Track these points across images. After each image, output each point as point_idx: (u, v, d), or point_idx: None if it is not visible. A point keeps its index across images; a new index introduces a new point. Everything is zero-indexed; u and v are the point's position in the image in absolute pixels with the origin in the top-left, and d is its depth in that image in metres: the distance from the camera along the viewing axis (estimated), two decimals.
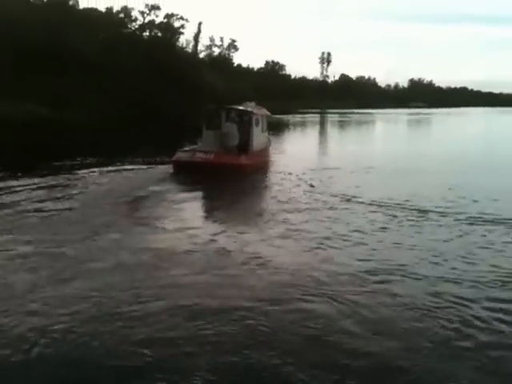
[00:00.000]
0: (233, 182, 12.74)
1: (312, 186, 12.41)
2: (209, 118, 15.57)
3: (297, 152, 21.43)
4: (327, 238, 7.48)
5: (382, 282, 5.78)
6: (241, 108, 15.57)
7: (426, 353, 4.27)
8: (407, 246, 7.19)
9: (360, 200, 10.38)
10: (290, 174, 14.10)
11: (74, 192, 11.29)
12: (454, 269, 6.24)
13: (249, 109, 15.54)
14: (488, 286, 5.69)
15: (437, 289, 5.57)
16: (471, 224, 8.52)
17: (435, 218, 8.91)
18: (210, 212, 10.27)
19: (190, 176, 13.12)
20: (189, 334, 4.55)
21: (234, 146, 14.59)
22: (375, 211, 9.42)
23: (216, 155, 13.64)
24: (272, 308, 5.06)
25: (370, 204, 10.02)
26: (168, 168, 14.75)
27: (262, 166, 15.31)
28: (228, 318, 4.81)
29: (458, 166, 16.35)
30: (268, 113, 17.23)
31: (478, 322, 4.79)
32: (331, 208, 9.73)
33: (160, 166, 15.51)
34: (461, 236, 7.83)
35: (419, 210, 9.45)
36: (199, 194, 11.84)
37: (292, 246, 7.21)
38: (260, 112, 16.23)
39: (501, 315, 4.93)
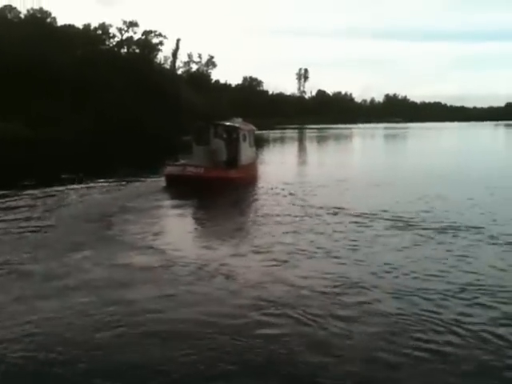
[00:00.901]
0: (220, 196, 13.35)
1: (293, 194, 13.29)
2: (198, 134, 16.35)
3: (281, 166, 22.34)
4: (301, 251, 7.68)
5: (343, 296, 5.83)
6: (229, 124, 16.43)
7: (386, 364, 4.37)
8: (374, 259, 7.32)
9: (338, 211, 10.81)
10: (275, 186, 14.82)
11: (53, 208, 11.40)
12: (408, 282, 6.35)
13: (236, 125, 16.42)
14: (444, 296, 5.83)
15: (397, 303, 5.66)
16: (440, 233, 8.85)
17: (405, 228, 9.20)
18: (192, 227, 10.37)
19: (179, 190, 13.72)
20: (151, 354, 4.50)
21: (222, 161, 15.41)
22: (351, 222, 9.82)
23: (206, 169, 14.38)
24: (237, 324, 5.09)
25: (347, 215, 10.47)
26: (156, 182, 15.42)
27: (250, 180, 16.10)
28: (192, 338, 4.77)
29: (430, 178, 17.06)
30: (254, 128, 18.16)
31: (436, 334, 4.87)
32: (310, 219, 10.15)
33: (148, 180, 16.13)
34: (427, 245, 8.14)
35: (390, 220, 9.83)
36: (184, 208, 12.12)
37: (266, 260, 7.26)
38: (247, 128, 17.12)
39: (459, 328, 5.01)
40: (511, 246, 8.00)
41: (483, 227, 9.22)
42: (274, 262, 7.17)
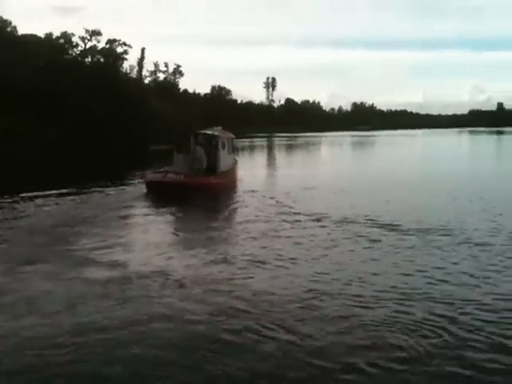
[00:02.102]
0: (195, 203, 13.96)
1: (264, 200, 14.31)
2: (179, 142, 17.34)
3: (252, 174, 23.00)
4: (264, 260, 7.89)
5: (307, 304, 5.97)
6: (208, 133, 17.50)
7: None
8: (337, 265, 7.67)
9: (306, 217, 11.33)
10: (251, 192, 15.81)
11: (11, 219, 11.44)
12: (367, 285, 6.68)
13: (216, 133, 17.53)
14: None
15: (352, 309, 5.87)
16: (404, 235, 9.48)
17: (370, 234, 9.65)
18: (158, 237, 10.14)
19: (159, 196, 14.49)
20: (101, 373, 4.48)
21: (202, 168, 16.43)
22: (319, 226, 10.43)
23: (186, 176, 15.30)
24: (194, 337, 5.15)
25: (315, 220, 11.02)
26: (124, 193, 16.17)
27: (228, 186, 17.13)
28: (145, 352, 4.81)
29: (394, 184, 18.01)
30: (233, 136, 19.31)
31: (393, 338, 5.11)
32: (279, 225, 10.68)
33: (115, 191, 16.58)
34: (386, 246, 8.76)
35: (355, 223, 10.55)
36: (154, 217, 12.25)
37: (229, 269, 7.40)
38: (226, 136, 18.24)
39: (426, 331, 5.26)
40: (469, 249, 8.59)
41: (449, 231, 9.78)
42: (237, 271, 7.29)
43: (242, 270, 7.39)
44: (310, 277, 7.07)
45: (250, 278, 7.07)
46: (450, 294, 6.36)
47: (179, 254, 8.47)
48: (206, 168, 16.49)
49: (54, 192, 15.69)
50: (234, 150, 20.59)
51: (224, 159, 17.48)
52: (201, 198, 14.46)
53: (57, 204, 13.89)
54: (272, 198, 14.78)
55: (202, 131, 17.57)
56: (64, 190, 16.03)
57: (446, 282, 6.86)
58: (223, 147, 17.51)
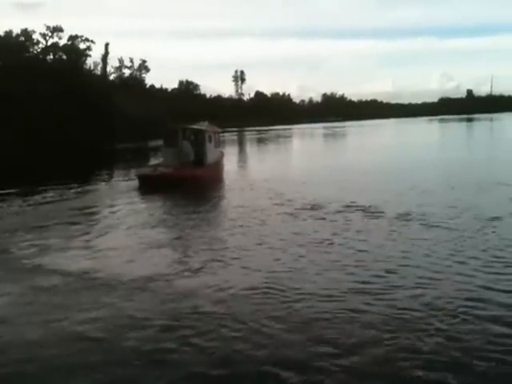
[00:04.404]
0: (184, 195, 15.14)
1: (249, 189, 15.63)
2: (167, 137, 18.76)
3: (233, 168, 24.32)
4: (226, 258, 8.06)
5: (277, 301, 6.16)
6: (195, 127, 19.03)
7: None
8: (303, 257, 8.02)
9: (279, 208, 12.13)
10: (235, 184, 17.24)
11: None
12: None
13: (202, 127, 19.04)
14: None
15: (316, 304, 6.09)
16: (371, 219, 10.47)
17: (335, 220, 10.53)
18: (132, 235, 10.19)
19: (149, 189, 15.76)
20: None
21: (190, 161, 17.90)
22: (312, 218, 11.08)
23: (175, 169, 16.77)
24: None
25: (295, 211, 11.78)
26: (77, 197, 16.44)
27: (215, 178, 18.73)
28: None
29: (366, 175, 18.57)
30: (219, 130, 20.83)
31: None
32: (259, 218, 11.28)
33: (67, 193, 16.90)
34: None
35: (326, 214, 11.26)
36: (136, 212, 12.79)
37: (186, 271, 7.48)
38: (212, 130, 19.82)
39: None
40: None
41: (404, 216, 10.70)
42: (196, 273, 7.41)
43: (204, 273, 7.42)
44: (274, 272, 7.27)
45: (203, 279, 7.14)
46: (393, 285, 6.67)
47: (142, 256, 8.47)
48: (194, 161, 17.97)
49: (10, 191, 16.32)
50: (221, 143, 22.12)
51: (211, 152, 19.01)
52: (187, 190, 15.60)
53: (8, 205, 14.33)
54: (253, 189, 15.92)
55: (190, 126, 19.02)
56: (28, 189, 16.61)
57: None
58: (210, 141, 19.05)
